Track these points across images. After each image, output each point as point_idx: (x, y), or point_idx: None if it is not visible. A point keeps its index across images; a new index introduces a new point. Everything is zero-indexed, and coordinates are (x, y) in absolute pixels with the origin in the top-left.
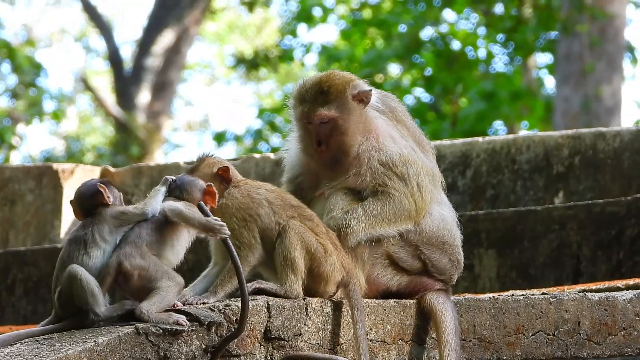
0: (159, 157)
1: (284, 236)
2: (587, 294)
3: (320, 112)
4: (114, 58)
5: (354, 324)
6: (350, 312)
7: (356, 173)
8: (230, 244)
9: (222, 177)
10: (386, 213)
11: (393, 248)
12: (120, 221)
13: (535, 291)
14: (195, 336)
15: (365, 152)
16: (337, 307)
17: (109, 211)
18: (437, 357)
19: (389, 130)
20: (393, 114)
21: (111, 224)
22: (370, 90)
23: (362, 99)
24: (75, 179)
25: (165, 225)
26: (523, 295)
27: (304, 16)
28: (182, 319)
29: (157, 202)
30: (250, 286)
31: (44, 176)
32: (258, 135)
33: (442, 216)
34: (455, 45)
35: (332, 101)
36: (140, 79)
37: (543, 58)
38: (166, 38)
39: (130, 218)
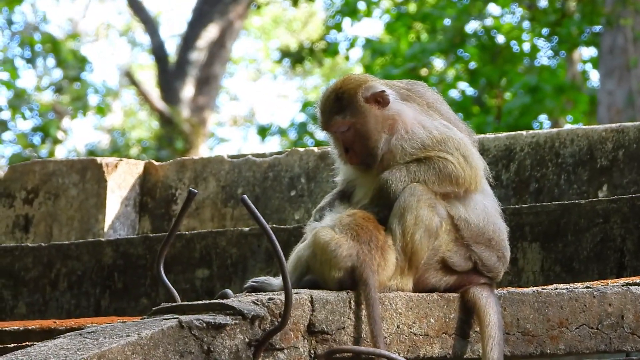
0: (203, 151)
1: None
2: (630, 287)
3: (336, 121)
4: (158, 52)
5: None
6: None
7: (392, 167)
8: (272, 234)
9: None
10: (429, 176)
11: (448, 254)
12: None
13: (579, 285)
14: (238, 330)
15: (397, 145)
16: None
17: None
18: (481, 351)
19: (418, 117)
20: (422, 99)
21: None
22: (383, 91)
23: (378, 100)
24: (119, 172)
25: None
26: (567, 288)
27: (349, 10)
28: None
29: None
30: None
31: (87, 170)
32: (302, 128)
33: (484, 207)
34: (500, 39)
35: (345, 108)
36: (184, 73)
37: (587, 52)
38: (210, 32)
39: None
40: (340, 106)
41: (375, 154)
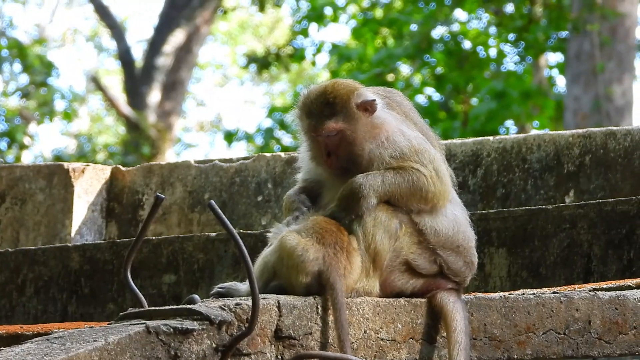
0: (170, 156)
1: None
2: (597, 292)
3: (328, 125)
4: (125, 57)
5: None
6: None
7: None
8: (239, 239)
9: None
10: (401, 189)
11: (412, 256)
12: None
13: (546, 290)
14: (205, 335)
15: (377, 153)
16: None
17: None
18: (447, 357)
19: (398, 125)
20: (400, 108)
21: None
22: (374, 100)
23: (367, 108)
24: (86, 178)
25: None
26: (534, 294)
27: (315, 15)
28: None
29: None
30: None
31: (54, 175)
32: (269, 134)
33: (454, 217)
34: (466, 44)
35: (338, 112)
36: (151, 78)
37: (554, 57)
38: (177, 37)
39: None
40: (332, 111)
41: (359, 162)
